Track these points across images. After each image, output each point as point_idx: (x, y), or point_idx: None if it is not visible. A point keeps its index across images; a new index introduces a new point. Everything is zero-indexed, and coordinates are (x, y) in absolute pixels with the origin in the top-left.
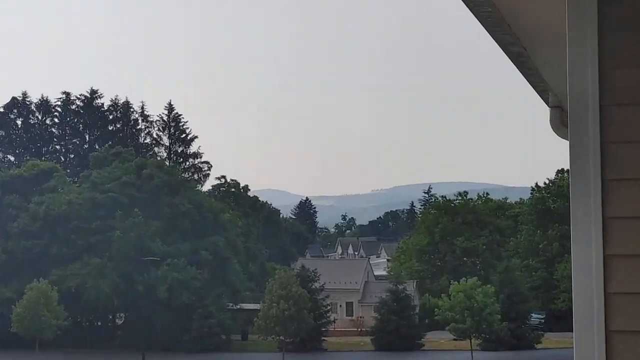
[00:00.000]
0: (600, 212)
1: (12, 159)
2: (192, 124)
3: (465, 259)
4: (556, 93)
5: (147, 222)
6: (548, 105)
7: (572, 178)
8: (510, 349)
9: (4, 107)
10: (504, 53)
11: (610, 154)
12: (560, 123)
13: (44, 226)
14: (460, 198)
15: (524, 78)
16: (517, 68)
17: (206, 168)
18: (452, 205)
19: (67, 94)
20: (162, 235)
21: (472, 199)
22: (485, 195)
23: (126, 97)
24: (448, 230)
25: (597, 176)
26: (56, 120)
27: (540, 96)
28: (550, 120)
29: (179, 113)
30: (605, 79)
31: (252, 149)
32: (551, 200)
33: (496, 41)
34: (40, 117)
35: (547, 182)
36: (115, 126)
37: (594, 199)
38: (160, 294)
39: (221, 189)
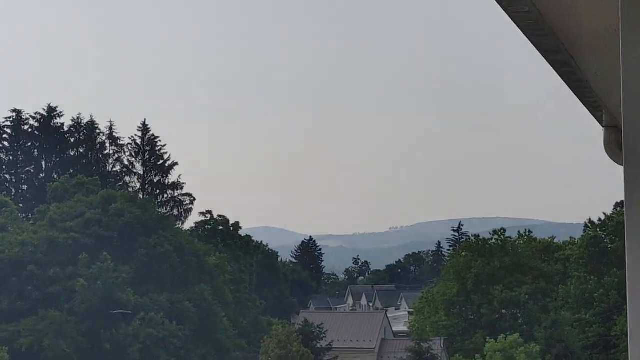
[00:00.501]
0: None
1: None
2: (171, 148)
3: (504, 311)
4: (611, 110)
5: (116, 267)
6: (602, 125)
7: (627, 211)
8: None
9: None
10: (546, 63)
11: None
12: (617, 146)
13: None
14: (497, 237)
15: (572, 93)
16: (563, 80)
17: (188, 201)
18: (488, 245)
19: (19, 112)
20: (135, 283)
21: (510, 237)
22: (527, 233)
23: (91, 116)
24: (483, 276)
25: None
26: (5, 144)
27: (592, 114)
28: (605, 143)
29: (155, 135)
30: None
31: (244, 178)
32: (608, 240)
33: (535, 47)
34: None
35: (602, 217)
36: (77, 151)
37: None
38: (132, 355)
39: (206, 226)
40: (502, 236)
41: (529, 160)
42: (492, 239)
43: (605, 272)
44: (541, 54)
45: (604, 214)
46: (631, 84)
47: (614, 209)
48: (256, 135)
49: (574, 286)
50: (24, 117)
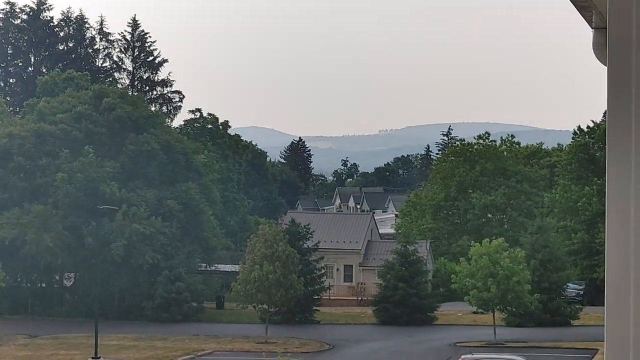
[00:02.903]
0: None
1: None
2: (161, 44)
3: (489, 215)
4: (600, 10)
5: (101, 162)
6: (591, 27)
7: (609, 111)
8: (541, 325)
9: None
10: None
11: None
12: (605, 47)
13: None
14: (481, 141)
15: None
16: None
17: (177, 99)
18: (472, 150)
19: (12, 4)
20: (122, 179)
21: (495, 141)
22: (510, 138)
23: (80, 10)
24: (467, 181)
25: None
26: None
27: (582, 16)
28: (593, 45)
29: (145, 31)
30: None
31: (234, 76)
32: (596, 147)
33: None
34: None
35: (591, 124)
36: (67, 45)
37: (636, 134)
38: (116, 251)
39: (195, 124)
40: (486, 140)
41: (522, 66)
42: (477, 143)
43: (593, 180)
44: None
45: (593, 121)
46: None
47: (603, 117)
48: (248, 34)
49: (560, 193)
50: (16, 11)
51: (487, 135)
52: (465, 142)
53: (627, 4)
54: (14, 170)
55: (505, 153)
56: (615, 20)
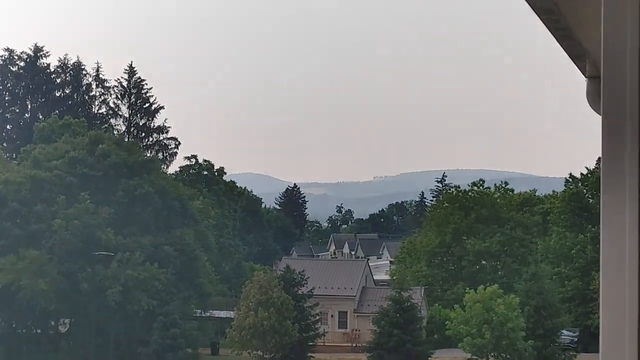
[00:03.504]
0: (637, 202)
1: None
2: (158, 91)
3: (484, 262)
4: (594, 59)
5: (96, 208)
6: (585, 76)
7: (603, 160)
8: None
9: None
10: (530, 9)
11: None
12: (599, 96)
13: None
14: (475, 188)
15: (558, 44)
16: (547, 28)
17: (173, 145)
18: (467, 197)
19: (10, 51)
20: (117, 225)
21: (489, 188)
22: (504, 185)
23: (77, 57)
24: (462, 227)
25: (634, 158)
26: None
27: (576, 65)
28: (587, 94)
29: (142, 78)
30: None
31: (230, 124)
32: (589, 195)
33: None
34: None
35: (585, 172)
36: (63, 92)
37: (630, 183)
38: (112, 297)
39: (191, 171)
40: (480, 187)
41: (517, 114)
42: (471, 190)
43: (586, 227)
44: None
45: (587, 168)
46: (611, 30)
47: (596, 164)
48: (245, 82)
49: (554, 240)
50: (11, 57)
51: (481, 182)
52: (460, 189)
53: (621, 53)
54: (9, 216)
55: (499, 200)
56: (610, 69)
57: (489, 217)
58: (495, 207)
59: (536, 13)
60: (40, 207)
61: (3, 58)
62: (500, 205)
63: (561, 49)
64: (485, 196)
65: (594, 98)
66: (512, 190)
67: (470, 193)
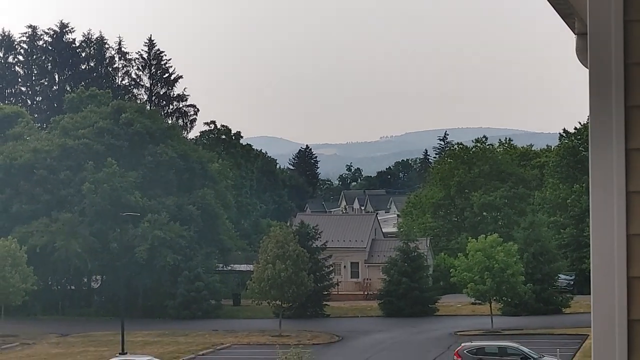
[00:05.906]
0: (624, 144)
1: None
2: (176, 62)
3: (485, 214)
4: (582, 17)
5: (123, 173)
6: (574, 33)
7: (590, 112)
8: (534, 313)
9: None
10: None
11: (635, 78)
12: (587, 52)
13: (5, 179)
14: (478, 144)
15: (548, 3)
16: None
17: (192, 112)
18: (470, 153)
19: (33, 27)
20: (143, 188)
21: (492, 144)
22: (508, 141)
23: (100, 32)
24: (465, 182)
25: (620, 105)
26: (21, 58)
27: (566, 23)
28: (577, 50)
29: (161, 50)
30: None
31: (245, 90)
32: (582, 148)
33: None
34: (2, 55)
35: (578, 126)
36: (88, 65)
37: (616, 134)
38: (140, 254)
39: (210, 136)
40: (483, 144)
41: (511, 73)
42: (474, 146)
43: (580, 178)
44: None
45: (580, 122)
46: None
47: (588, 118)
48: (257, 50)
49: (549, 191)
50: (38, 33)
51: (484, 138)
52: (463, 145)
53: (605, 10)
54: (38, 182)
55: (499, 157)
56: (595, 25)
57: (491, 172)
58: (497, 162)
59: None
60: (69, 172)
61: (28, 34)
62: (502, 161)
63: (552, 7)
64: (489, 152)
65: (583, 54)
66: (514, 147)
67: (473, 149)
